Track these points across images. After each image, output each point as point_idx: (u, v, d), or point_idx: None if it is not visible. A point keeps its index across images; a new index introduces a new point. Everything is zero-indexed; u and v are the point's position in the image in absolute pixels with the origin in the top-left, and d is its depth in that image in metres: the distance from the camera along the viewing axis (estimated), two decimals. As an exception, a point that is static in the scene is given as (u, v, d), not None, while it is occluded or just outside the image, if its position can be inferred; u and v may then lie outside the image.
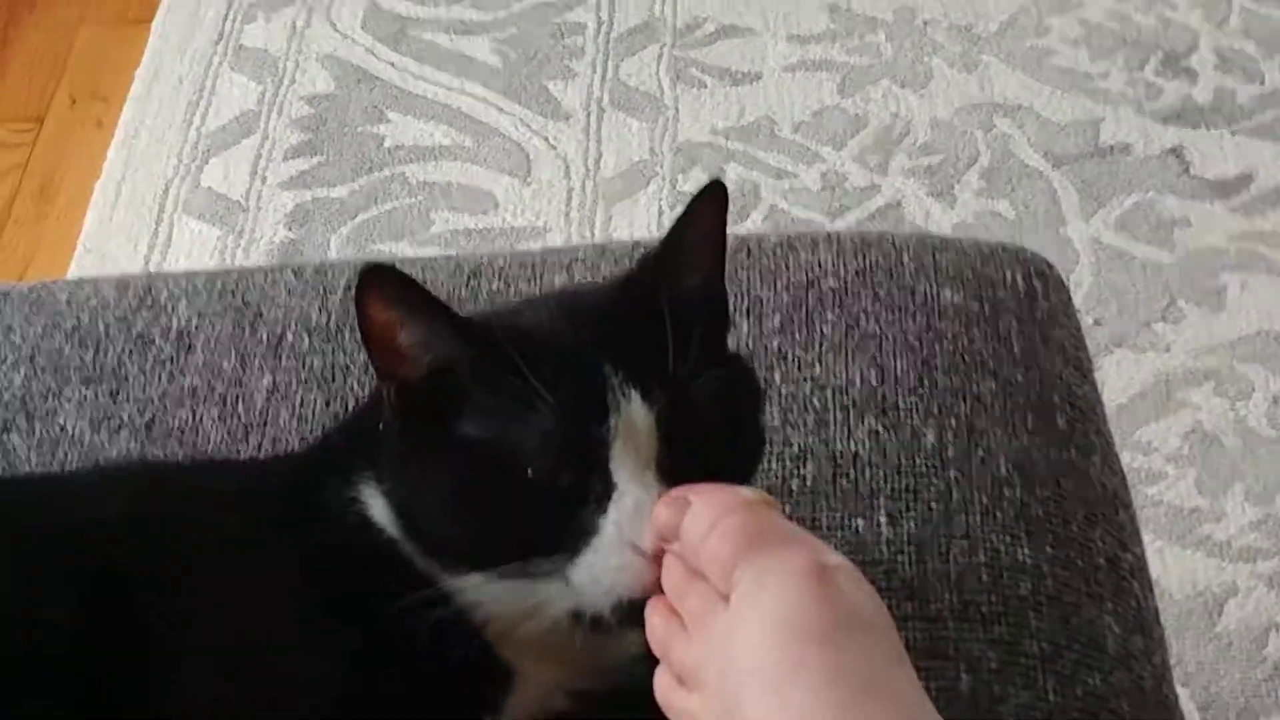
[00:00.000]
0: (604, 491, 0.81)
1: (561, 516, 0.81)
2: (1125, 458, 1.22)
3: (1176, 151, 2.33)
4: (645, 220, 2.27)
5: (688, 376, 0.83)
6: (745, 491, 0.81)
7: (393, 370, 0.86)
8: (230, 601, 0.86)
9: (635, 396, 0.82)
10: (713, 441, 0.84)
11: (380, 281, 0.84)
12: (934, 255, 1.21)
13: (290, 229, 2.32)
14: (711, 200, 0.90)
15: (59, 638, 0.84)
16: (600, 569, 0.81)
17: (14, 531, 0.90)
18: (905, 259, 1.20)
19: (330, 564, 0.88)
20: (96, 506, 0.92)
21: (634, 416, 0.82)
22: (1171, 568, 1.81)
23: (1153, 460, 1.93)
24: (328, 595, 0.86)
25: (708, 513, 0.78)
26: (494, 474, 0.83)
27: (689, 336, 0.84)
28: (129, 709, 0.82)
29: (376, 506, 0.88)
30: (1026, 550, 1.03)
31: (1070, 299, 1.24)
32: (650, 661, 0.83)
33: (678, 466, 0.82)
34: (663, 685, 0.81)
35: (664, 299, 0.84)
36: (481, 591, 0.85)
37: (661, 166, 2.37)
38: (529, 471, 0.81)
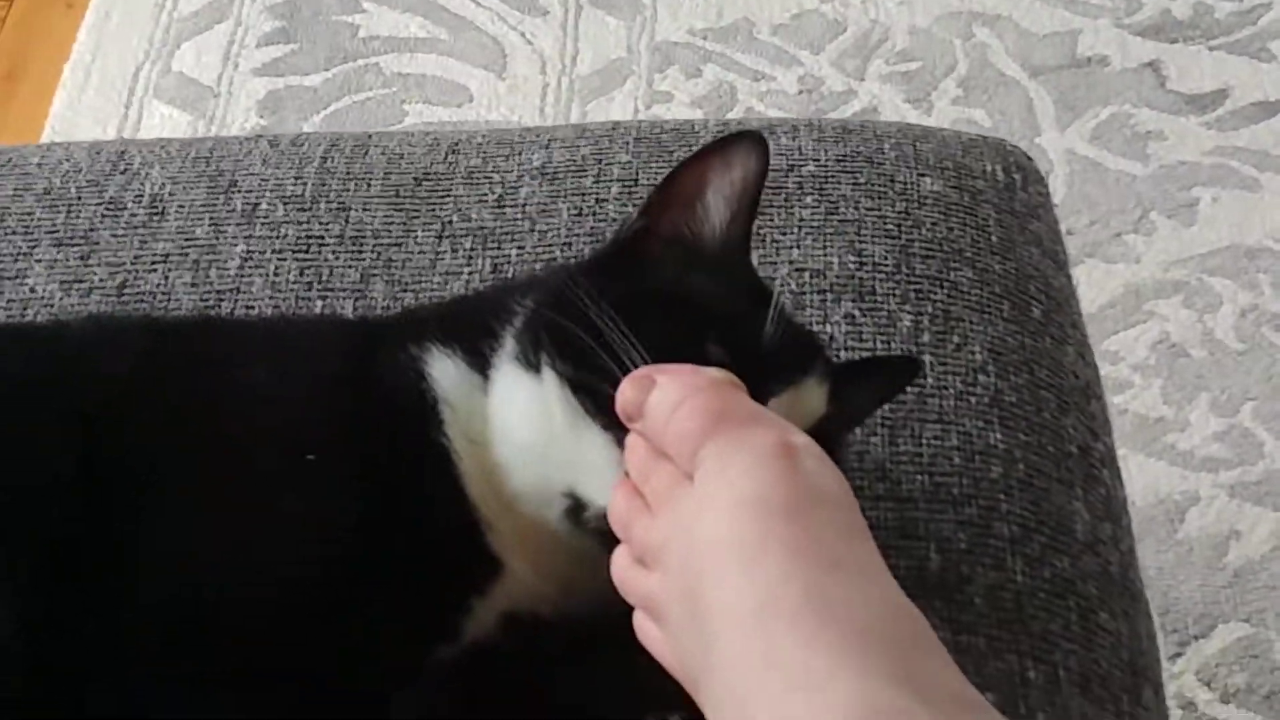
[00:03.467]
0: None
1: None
2: (1094, 364, 1.23)
3: (1153, 65, 2.33)
4: (620, 119, 2.25)
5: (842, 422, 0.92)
6: (712, 371, 0.80)
7: (661, 213, 0.90)
8: (247, 444, 0.86)
9: (825, 389, 0.87)
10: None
11: (757, 148, 0.89)
12: (915, 145, 1.20)
13: (261, 116, 2.30)
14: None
15: (59, 487, 0.84)
16: None
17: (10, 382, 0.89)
18: (886, 147, 1.20)
19: (366, 417, 0.88)
20: (109, 359, 0.92)
21: (812, 394, 0.86)
22: (1135, 476, 1.82)
23: (1120, 370, 1.94)
24: (354, 445, 0.87)
25: (674, 391, 0.77)
26: (679, 328, 0.85)
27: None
28: (130, 553, 0.82)
29: (437, 366, 0.88)
30: (999, 435, 1.03)
31: (1048, 193, 1.24)
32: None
33: None
34: (620, 565, 0.80)
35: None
36: (506, 450, 0.86)
37: (638, 65, 2.35)
38: (710, 349, 0.83)
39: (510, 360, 0.87)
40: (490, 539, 0.86)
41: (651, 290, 0.88)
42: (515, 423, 0.86)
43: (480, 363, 0.89)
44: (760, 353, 0.84)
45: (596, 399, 0.82)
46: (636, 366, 0.80)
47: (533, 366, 0.86)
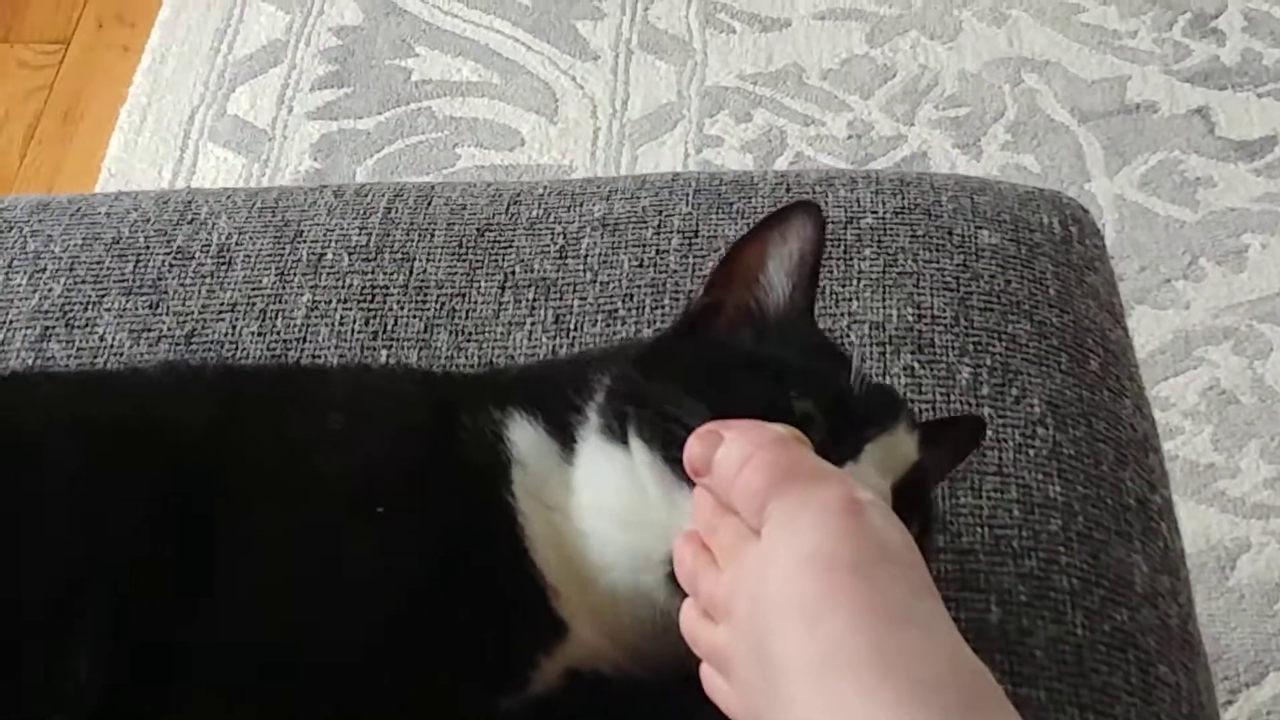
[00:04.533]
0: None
1: None
2: (1146, 411, 1.23)
3: (1202, 111, 2.33)
4: (670, 163, 2.27)
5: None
6: (778, 427, 0.81)
7: (725, 289, 0.92)
8: (321, 494, 0.87)
9: (915, 436, 0.88)
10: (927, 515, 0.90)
11: (812, 218, 0.90)
12: (972, 197, 1.21)
13: (315, 159, 2.32)
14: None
15: (139, 534, 0.85)
16: None
17: (86, 427, 0.90)
18: (943, 199, 1.21)
19: (440, 472, 0.89)
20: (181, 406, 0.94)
21: (903, 441, 0.87)
22: (1186, 522, 1.79)
23: (1170, 416, 1.94)
24: (426, 499, 0.88)
25: (741, 447, 0.78)
26: (761, 383, 0.86)
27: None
28: (204, 602, 0.83)
29: (517, 431, 0.89)
30: (1058, 488, 1.04)
31: (1104, 245, 1.25)
32: (695, 657, 0.82)
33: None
34: (689, 619, 0.81)
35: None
36: (593, 519, 0.87)
37: (688, 110, 2.37)
38: (795, 400, 0.84)
39: (596, 434, 0.88)
40: (556, 604, 0.86)
41: (730, 354, 0.90)
42: (607, 494, 0.87)
43: (561, 433, 0.89)
44: (849, 404, 0.86)
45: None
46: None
47: (619, 438, 0.86)
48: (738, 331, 0.91)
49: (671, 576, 0.83)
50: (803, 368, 0.87)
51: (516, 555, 0.86)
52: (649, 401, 0.85)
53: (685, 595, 0.82)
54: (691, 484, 0.82)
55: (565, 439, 0.89)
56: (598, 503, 0.87)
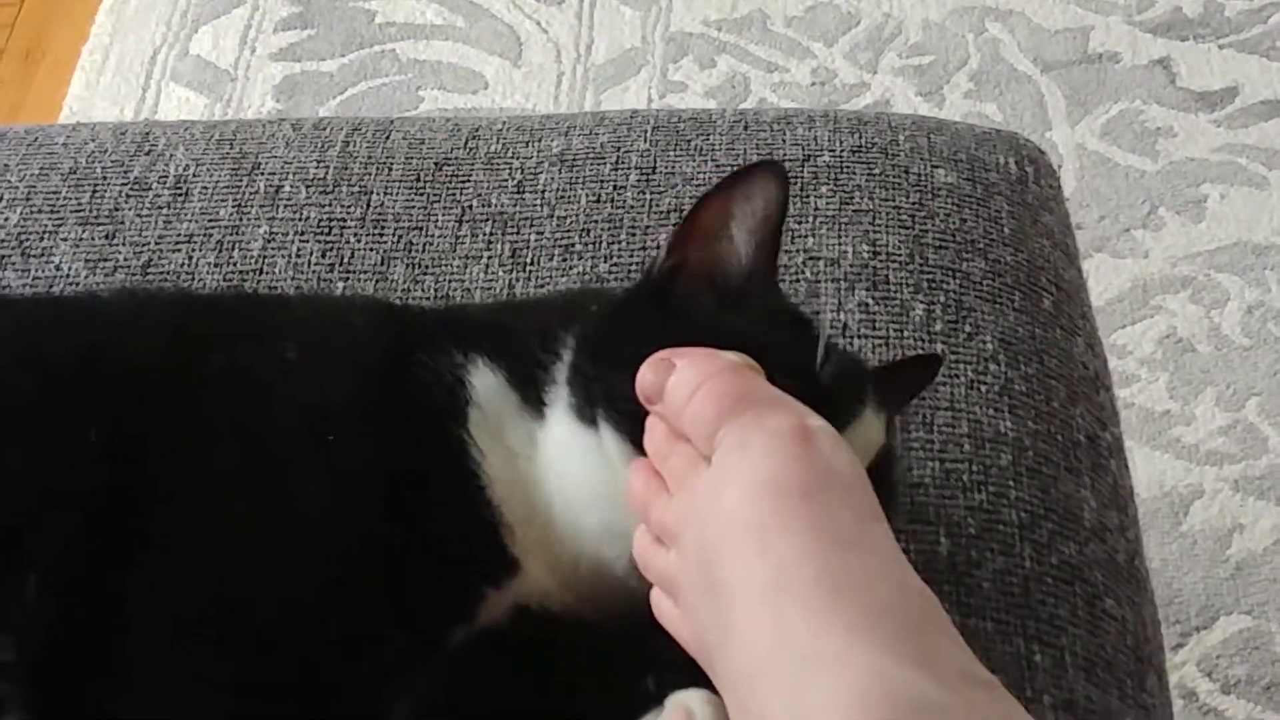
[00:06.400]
0: None
1: None
2: (1101, 357, 1.24)
3: (1164, 62, 2.34)
4: (635, 108, 2.26)
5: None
6: (729, 355, 0.81)
7: (687, 248, 0.90)
8: (274, 422, 0.87)
9: (882, 419, 0.88)
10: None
11: (776, 177, 0.89)
12: (929, 137, 1.22)
13: (278, 100, 2.32)
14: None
15: (89, 458, 0.85)
16: None
17: (39, 355, 0.90)
18: (900, 139, 1.21)
19: (394, 406, 0.89)
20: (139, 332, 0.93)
21: (871, 425, 0.87)
22: (1140, 469, 1.84)
23: (1126, 363, 1.96)
24: (378, 430, 0.88)
25: (693, 374, 0.78)
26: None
27: None
28: (154, 528, 0.83)
29: (478, 376, 0.89)
30: (1009, 423, 1.05)
31: (1060, 186, 1.25)
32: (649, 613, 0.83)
33: None
34: (641, 545, 0.81)
35: None
36: (561, 497, 0.87)
37: (652, 55, 2.36)
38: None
39: (566, 411, 0.88)
40: (509, 541, 0.86)
41: (693, 330, 0.88)
42: (578, 472, 0.87)
43: (524, 387, 0.90)
44: (816, 388, 0.84)
45: None
46: None
47: (589, 421, 0.86)
48: (700, 293, 0.90)
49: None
50: (771, 344, 0.85)
51: (472, 490, 0.86)
52: (616, 385, 0.84)
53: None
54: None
55: (529, 394, 0.89)
56: (568, 476, 0.87)
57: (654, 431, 0.81)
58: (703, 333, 0.86)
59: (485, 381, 0.89)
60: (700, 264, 0.91)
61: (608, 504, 0.86)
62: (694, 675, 0.77)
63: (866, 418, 0.87)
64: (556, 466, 0.88)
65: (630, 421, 0.84)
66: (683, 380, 0.78)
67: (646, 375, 0.80)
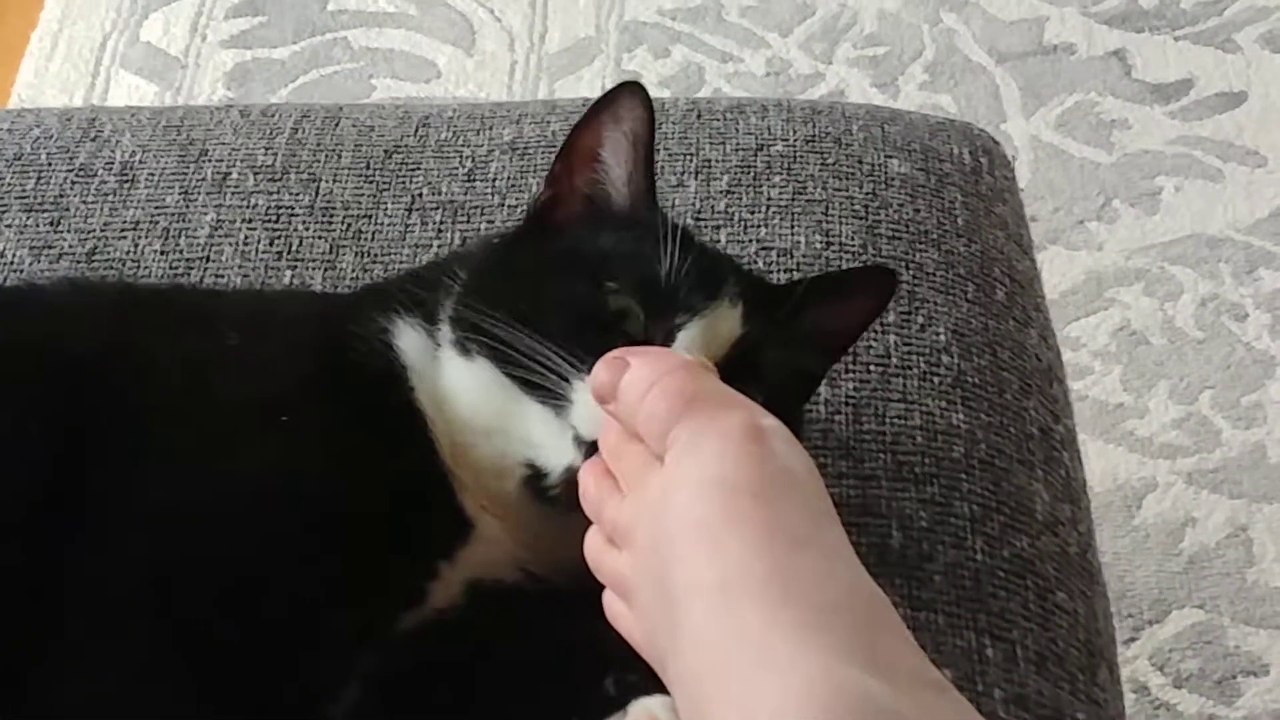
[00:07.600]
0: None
1: (603, 346, 0.82)
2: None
3: (1119, 54, 2.34)
4: (588, 96, 2.25)
5: (783, 340, 0.89)
6: (684, 354, 0.82)
7: (563, 179, 0.93)
8: (220, 406, 0.88)
9: (738, 310, 0.87)
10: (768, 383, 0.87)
11: (639, 97, 0.91)
12: (883, 127, 1.21)
13: (229, 88, 2.30)
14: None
15: (34, 447, 0.85)
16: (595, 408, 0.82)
17: None
18: (854, 128, 1.21)
19: (336, 381, 0.89)
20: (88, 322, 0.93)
21: (724, 317, 0.86)
22: (1094, 461, 1.84)
23: (1080, 356, 1.96)
24: (327, 406, 0.88)
25: (646, 373, 0.78)
26: (580, 282, 0.87)
27: (792, 338, 0.90)
28: (104, 513, 0.83)
29: (402, 337, 0.90)
30: (961, 415, 1.04)
31: (1014, 177, 1.25)
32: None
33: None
34: (593, 546, 0.81)
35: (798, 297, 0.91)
36: (461, 426, 0.88)
37: (606, 44, 2.35)
38: (610, 295, 0.86)
39: (449, 346, 0.89)
40: (463, 498, 0.87)
41: (557, 254, 0.91)
42: (465, 404, 0.88)
43: (432, 336, 0.91)
44: (660, 286, 0.86)
45: (528, 377, 0.84)
46: (550, 337, 0.83)
47: (468, 354, 0.88)
48: (578, 224, 0.92)
49: (531, 479, 0.86)
50: (623, 257, 0.88)
51: (424, 452, 0.87)
52: (485, 316, 0.86)
53: (551, 498, 0.86)
54: (536, 393, 0.84)
55: (436, 342, 0.91)
56: (460, 410, 0.89)
57: (608, 431, 0.81)
58: (563, 261, 0.89)
59: (409, 340, 0.91)
60: (577, 194, 0.93)
61: (495, 432, 0.87)
62: (651, 675, 0.77)
63: (718, 310, 0.87)
64: (460, 401, 0.89)
65: (499, 354, 0.86)
66: (635, 379, 0.78)
67: (600, 374, 0.80)
